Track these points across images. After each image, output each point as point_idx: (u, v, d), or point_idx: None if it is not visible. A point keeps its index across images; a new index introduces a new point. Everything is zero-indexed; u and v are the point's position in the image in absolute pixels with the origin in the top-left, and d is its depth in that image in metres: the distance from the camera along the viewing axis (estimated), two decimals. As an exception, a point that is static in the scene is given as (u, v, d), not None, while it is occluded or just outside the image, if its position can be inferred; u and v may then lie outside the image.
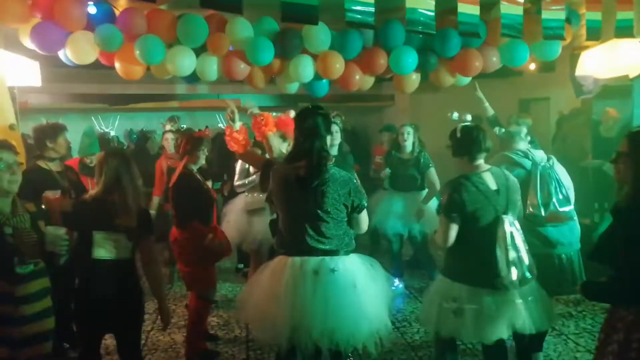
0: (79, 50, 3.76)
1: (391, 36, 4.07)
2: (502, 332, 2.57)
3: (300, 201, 2.44)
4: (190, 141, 3.61)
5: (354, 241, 2.56)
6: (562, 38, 3.68)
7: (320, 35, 4.00)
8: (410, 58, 4.14)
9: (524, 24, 3.58)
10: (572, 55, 4.96)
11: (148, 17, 3.82)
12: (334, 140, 4.30)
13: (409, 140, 4.87)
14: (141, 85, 6.26)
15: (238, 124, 3.62)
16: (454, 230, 2.59)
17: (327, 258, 2.41)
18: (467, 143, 2.65)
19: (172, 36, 3.86)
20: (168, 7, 4.03)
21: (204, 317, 3.61)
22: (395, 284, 4.88)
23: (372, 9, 2.83)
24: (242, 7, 2.51)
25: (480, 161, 2.66)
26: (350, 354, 2.80)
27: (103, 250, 2.41)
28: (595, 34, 3.90)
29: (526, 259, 2.55)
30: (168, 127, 6.15)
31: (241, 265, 5.58)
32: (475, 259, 2.58)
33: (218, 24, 3.94)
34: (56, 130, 3.49)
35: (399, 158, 4.94)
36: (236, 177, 4.47)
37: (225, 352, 3.74)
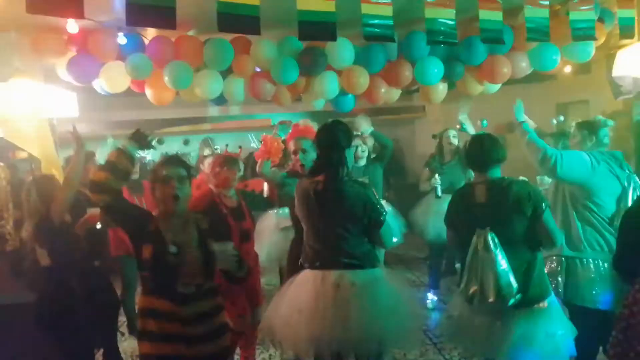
0: (111, 79, 3.92)
1: (415, 47, 4.04)
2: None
3: (318, 215, 2.46)
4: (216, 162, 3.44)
5: (378, 255, 2.53)
6: (592, 38, 3.55)
7: (343, 51, 4.02)
8: (435, 68, 4.09)
9: (552, 26, 3.48)
10: (609, 55, 4.77)
11: (176, 43, 3.94)
12: (362, 153, 4.31)
13: (453, 144, 4.79)
14: (175, 109, 6.45)
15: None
16: (450, 235, 2.71)
17: (348, 272, 2.39)
18: (475, 154, 2.54)
19: (199, 61, 3.97)
20: (195, 32, 4.15)
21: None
22: (430, 298, 4.76)
23: (391, 22, 2.81)
24: (259, 28, 2.54)
25: (492, 173, 2.49)
26: None
27: None
28: (629, 31, 3.74)
29: (506, 280, 2.30)
30: (207, 152, 6.24)
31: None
32: (461, 270, 2.56)
33: (243, 46, 4.03)
34: (88, 159, 3.60)
35: (441, 162, 4.85)
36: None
37: (260, 371, 3.74)
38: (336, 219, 2.41)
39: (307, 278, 2.47)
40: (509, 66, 4.14)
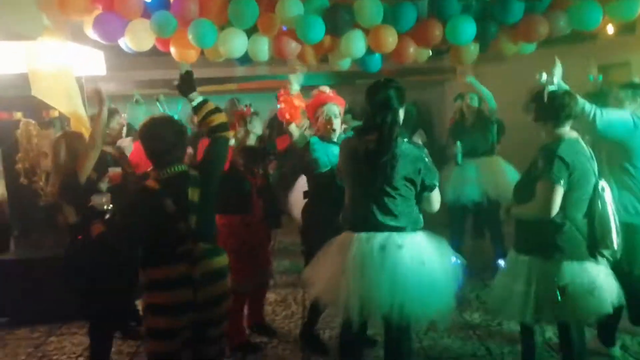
0: (136, 37, 3.90)
1: (446, 5, 3.86)
2: (608, 306, 2.48)
3: (368, 176, 2.39)
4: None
5: (422, 219, 2.50)
6: (638, -5, 3.32)
7: (371, 8, 3.87)
8: (467, 27, 3.91)
9: (594, -18, 3.26)
10: (655, 13, 4.46)
11: (200, 1, 3.88)
12: None
13: (473, 105, 4.77)
14: (201, 69, 6.40)
15: (296, 87, 3.47)
16: (560, 196, 2.41)
17: (394, 234, 2.35)
18: (555, 108, 2.52)
19: (223, 18, 3.91)
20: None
21: (235, 309, 3.29)
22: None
23: (421, -23, 2.67)
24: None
25: (567, 128, 2.54)
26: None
27: None
28: (681, -13, 3.49)
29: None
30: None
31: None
32: (576, 229, 2.48)
33: (268, 4, 3.92)
34: (109, 116, 3.63)
35: (462, 126, 4.83)
36: None
37: (282, 327, 3.84)
38: (387, 180, 2.34)
39: (350, 240, 2.40)
40: (547, 25, 3.92)
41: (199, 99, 2.46)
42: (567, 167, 2.40)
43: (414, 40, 4.10)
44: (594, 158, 2.54)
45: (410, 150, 2.39)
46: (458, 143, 4.55)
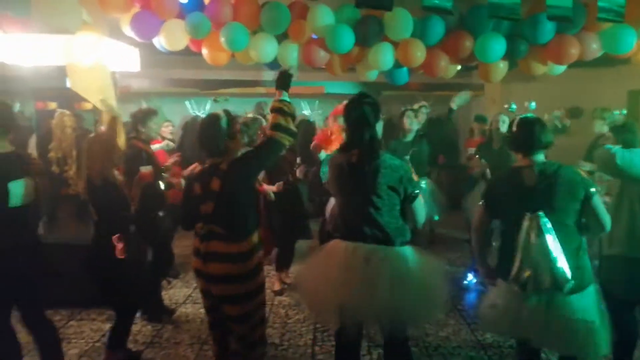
0: (171, 37, 4.01)
1: (477, 22, 3.87)
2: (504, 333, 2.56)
3: (353, 188, 2.48)
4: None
5: (409, 233, 2.53)
6: (673, 22, 3.28)
7: (401, 22, 3.91)
8: (497, 45, 3.91)
9: (628, 6, 3.24)
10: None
11: (234, 5, 3.98)
12: (411, 127, 4.27)
13: (502, 129, 4.67)
14: (230, 71, 6.55)
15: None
16: (484, 217, 2.60)
17: (379, 247, 2.41)
18: (522, 137, 2.46)
19: (256, 23, 4.00)
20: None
21: None
22: (469, 279, 4.72)
23: (451, -7, 2.71)
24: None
25: (537, 157, 2.43)
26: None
27: None
28: None
29: (560, 266, 2.25)
30: (250, 114, 6.33)
31: None
32: (502, 255, 2.49)
33: (300, 11, 4.00)
34: (147, 116, 3.81)
35: (489, 148, 4.77)
36: None
37: (294, 331, 3.87)
38: (370, 192, 2.42)
39: (337, 248, 2.49)
40: (578, 47, 3.89)
41: (286, 97, 2.67)
42: (488, 192, 2.61)
43: (445, 52, 4.10)
44: (537, 190, 2.35)
45: (391, 160, 2.48)
46: (483, 161, 4.51)
